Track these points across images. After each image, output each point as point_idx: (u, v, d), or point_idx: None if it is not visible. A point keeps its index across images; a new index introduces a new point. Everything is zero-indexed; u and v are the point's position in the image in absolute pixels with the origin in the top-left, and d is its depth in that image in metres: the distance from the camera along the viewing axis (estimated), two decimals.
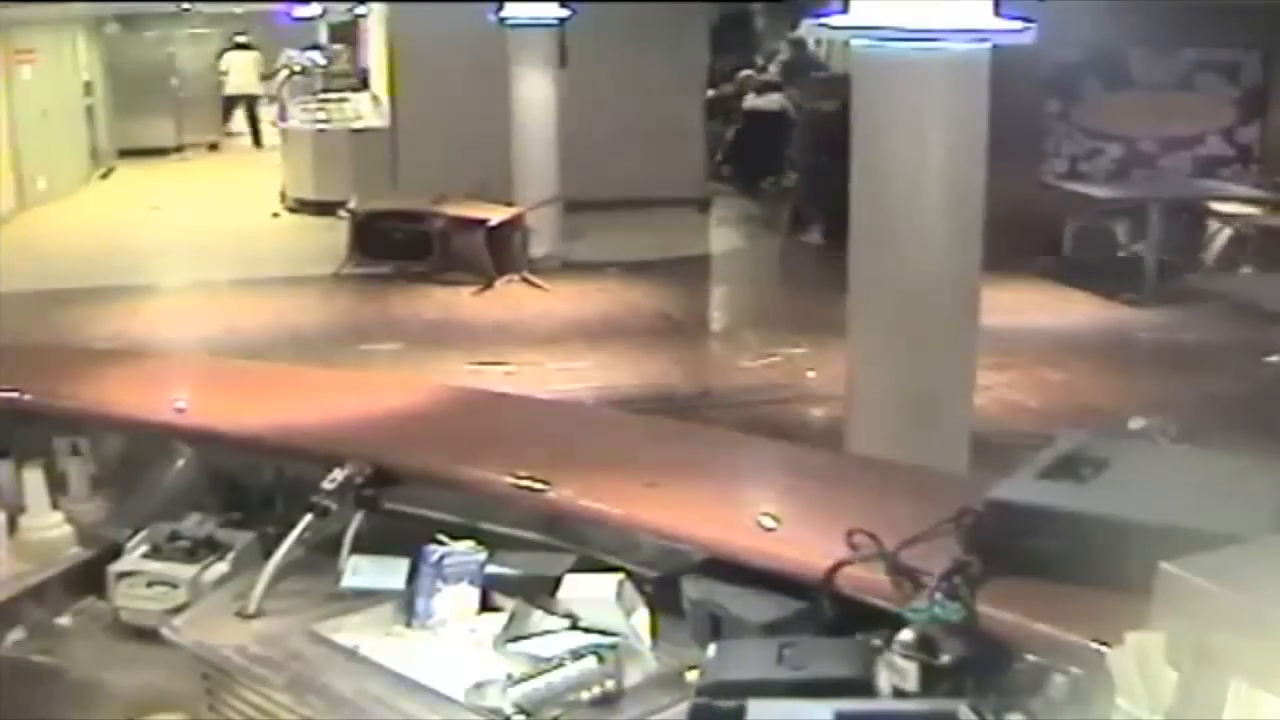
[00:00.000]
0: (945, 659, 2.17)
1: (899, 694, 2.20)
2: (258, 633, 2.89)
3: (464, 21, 13.12)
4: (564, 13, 12.81)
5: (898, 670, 2.20)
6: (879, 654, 2.26)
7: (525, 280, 12.28)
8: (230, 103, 22.90)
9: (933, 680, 2.17)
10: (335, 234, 13.22)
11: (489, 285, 12.15)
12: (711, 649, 2.44)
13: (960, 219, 5.32)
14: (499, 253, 12.38)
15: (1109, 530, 2.28)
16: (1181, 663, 1.78)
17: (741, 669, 2.32)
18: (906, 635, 2.20)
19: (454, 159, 13.34)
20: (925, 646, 2.18)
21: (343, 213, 13.37)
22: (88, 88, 19.74)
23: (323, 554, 3.08)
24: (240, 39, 22.74)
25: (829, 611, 2.46)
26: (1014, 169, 9.39)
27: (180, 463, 3.62)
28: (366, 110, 17.35)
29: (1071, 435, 2.68)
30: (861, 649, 2.30)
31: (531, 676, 2.52)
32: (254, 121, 22.74)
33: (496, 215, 12.46)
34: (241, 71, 22.57)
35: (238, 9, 22.98)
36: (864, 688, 2.23)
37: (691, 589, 2.69)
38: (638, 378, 9.55)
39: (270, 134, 19.87)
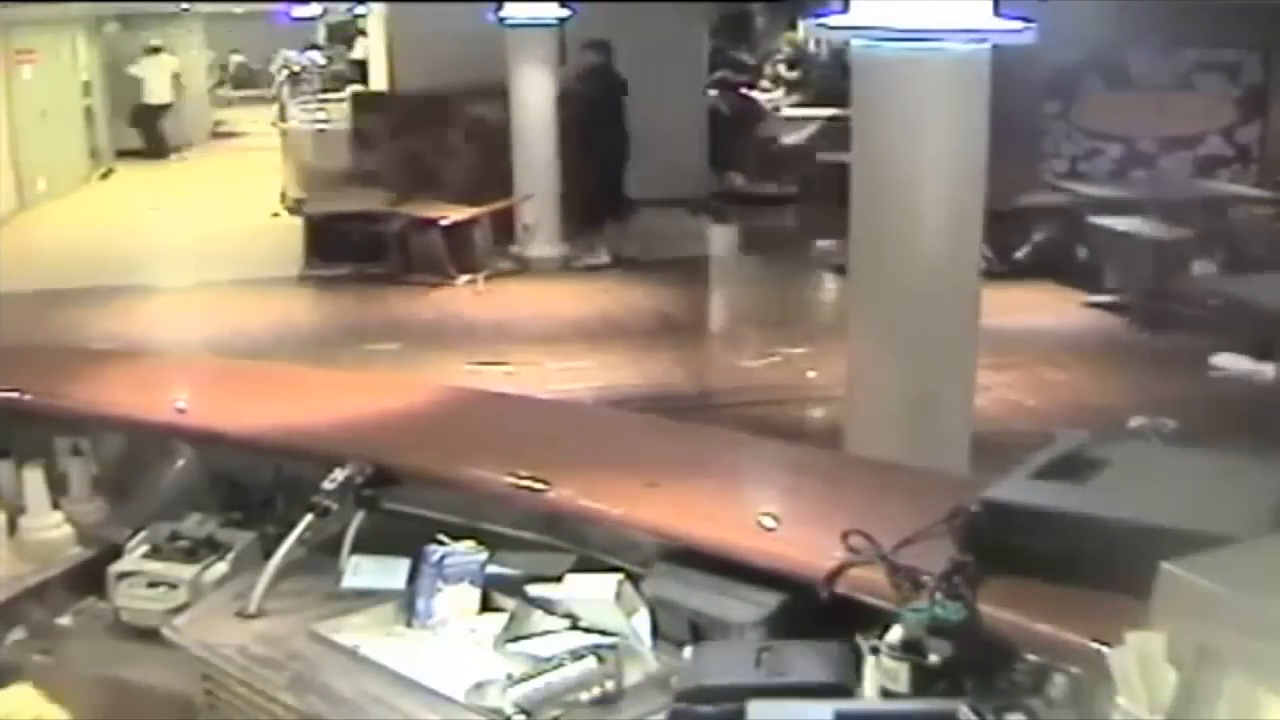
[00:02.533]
0: (935, 659, 2.16)
1: (888, 695, 2.20)
2: (258, 633, 2.90)
3: (464, 21, 13.11)
4: (564, 13, 12.80)
5: (888, 671, 2.20)
6: (859, 657, 2.25)
7: (473, 283, 12.09)
8: (149, 112, 21.07)
9: (924, 681, 2.16)
10: None
11: (438, 286, 11.96)
12: (688, 652, 2.44)
13: (960, 219, 5.31)
14: (458, 253, 12.20)
15: (1103, 530, 2.28)
16: (1181, 663, 1.78)
17: (719, 674, 2.32)
18: (895, 636, 2.20)
19: None
20: (915, 647, 2.18)
21: None
22: (87, 88, 19.72)
23: (323, 554, 3.09)
24: (155, 43, 21.23)
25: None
26: (1014, 169, 9.37)
27: (180, 463, 3.62)
28: None
29: (1068, 435, 2.67)
30: (840, 653, 2.29)
31: (531, 676, 2.52)
32: (160, 132, 21.17)
33: (453, 214, 12.30)
34: (162, 79, 21.11)
35: (238, 9, 22.92)
36: (842, 694, 2.22)
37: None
38: (639, 378, 9.54)
39: (272, 134, 19.78)
